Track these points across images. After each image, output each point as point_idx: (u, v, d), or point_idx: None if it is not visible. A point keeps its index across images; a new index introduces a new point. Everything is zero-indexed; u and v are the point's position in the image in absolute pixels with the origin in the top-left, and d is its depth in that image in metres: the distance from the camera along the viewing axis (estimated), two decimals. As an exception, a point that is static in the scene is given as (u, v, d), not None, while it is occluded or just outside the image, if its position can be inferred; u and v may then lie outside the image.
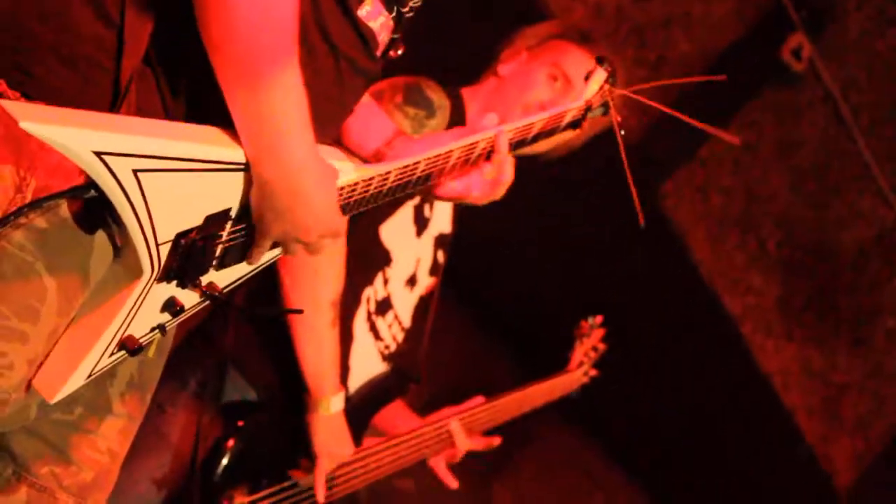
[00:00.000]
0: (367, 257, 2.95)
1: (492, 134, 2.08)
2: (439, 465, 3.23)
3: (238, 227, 1.77)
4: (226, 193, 1.72)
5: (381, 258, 2.99)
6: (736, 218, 4.88)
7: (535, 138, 2.22)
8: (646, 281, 4.81)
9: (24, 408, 1.78)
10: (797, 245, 5.12)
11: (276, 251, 1.88)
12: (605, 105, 2.30)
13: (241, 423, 2.84)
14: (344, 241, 2.72)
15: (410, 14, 1.94)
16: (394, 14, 1.88)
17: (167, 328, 1.80)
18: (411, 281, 3.09)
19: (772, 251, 5.04)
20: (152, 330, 1.78)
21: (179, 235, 1.67)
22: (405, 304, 3.11)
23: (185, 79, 1.69)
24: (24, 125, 1.43)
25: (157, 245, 1.64)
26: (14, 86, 1.63)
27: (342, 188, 1.86)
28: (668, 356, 5.14)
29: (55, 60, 1.65)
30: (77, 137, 1.49)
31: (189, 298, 1.79)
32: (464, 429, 3.20)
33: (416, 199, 2.96)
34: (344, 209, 1.89)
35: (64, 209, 1.63)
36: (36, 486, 1.89)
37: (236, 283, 1.87)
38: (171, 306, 1.76)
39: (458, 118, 2.87)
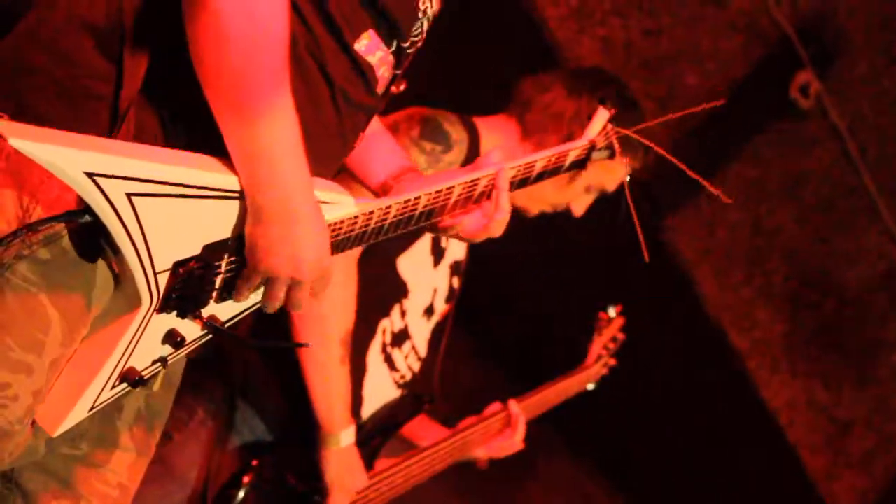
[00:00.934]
0: (383, 289, 2.94)
1: (493, 172, 2.07)
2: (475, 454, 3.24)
3: (236, 258, 1.76)
4: (223, 222, 1.70)
5: (398, 290, 2.98)
6: (742, 252, 4.88)
7: (539, 176, 2.21)
8: (651, 315, 4.80)
9: (33, 444, 1.77)
10: (803, 280, 5.12)
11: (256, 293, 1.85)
12: (611, 147, 2.30)
13: (254, 462, 2.83)
14: (355, 276, 2.72)
15: (412, 50, 1.93)
16: (393, 48, 1.87)
17: (169, 361, 1.79)
18: (429, 311, 3.09)
19: (778, 285, 5.04)
20: (154, 363, 1.77)
21: (177, 264, 1.66)
22: (422, 334, 3.10)
23: (183, 108, 1.69)
24: (14, 142, 1.43)
25: (156, 274, 1.63)
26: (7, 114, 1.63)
27: (341, 221, 1.85)
28: (672, 390, 5.13)
29: (53, 91, 1.67)
30: (68, 157, 1.48)
31: (190, 331, 1.77)
32: (488, 434, 3.19)
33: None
34: (343, 243, 1.88)
35: (66, 241, 1.63)
36: None
37: (239, 317, 1.86)
38: (173, 338, 1.74)
39: (475, 152, 2.85)
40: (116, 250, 1.61)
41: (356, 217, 1.86)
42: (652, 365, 4.85)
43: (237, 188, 1.69)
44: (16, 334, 1.61)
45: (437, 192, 1.99)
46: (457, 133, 2.79)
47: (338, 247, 1.87)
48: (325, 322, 2.71)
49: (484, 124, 2.92)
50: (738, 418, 5.21)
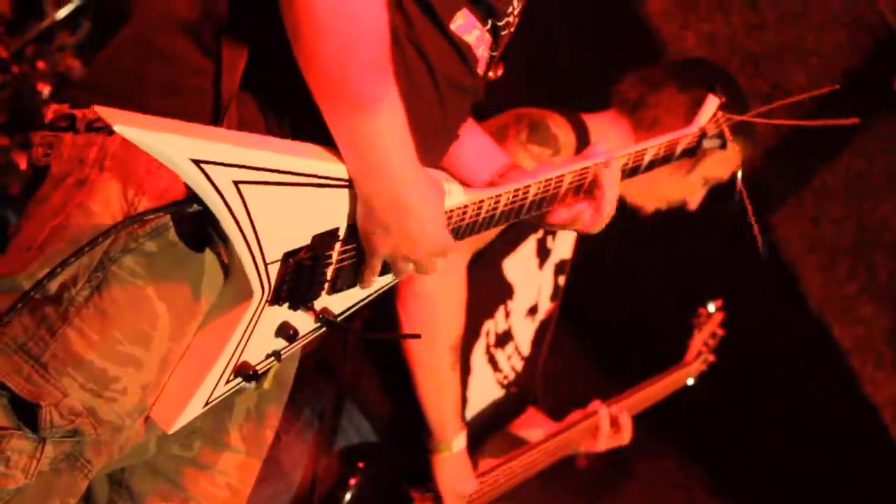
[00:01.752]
0: (488, 291, 2.94)
1: (603, 160, 2.06)
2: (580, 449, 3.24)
3: (347, 248, 1.74)
4: (333, 212, 1.68)
5: (503, 292, 2.98)
6: (847, 247, 4.83)
7: (650, 165, 2.20)
8: (754, 310, 4.78)
9: (144, 443, 1.78)
10: (909, 275, 5.05)
11: (389, 277, 1.84)
12: (721, 135, 2.28)
13: (361, 465, 2.85)
14: (465, 284, 2.71)
15: (507, 31, 1.91)
16: (489, 27, 1.85)
17: (282, 354, 1.77)
18: (533, 310, 3.08)
19: (883, 281, 4.98)
20: (267, 357, 1.75)
21: (288, 255, 1.64)
22: (525, 334, 3.10)
23: (284, 99, 1.69)
24: (119, 129, 1.41)
25: (266, 264, 1.61)
26: None
27: (451, 210, 1.84)
28: (774, 385, 5.10)
29: (156, 90, 1.67)
30: (174, 144, 1.46)
31: (303, 323, 1.75)
32: (596, 427, 3.19)
33: (540, 233, 2.95)
34: (454, 233, 1.86)
35: (173, 233, 1.63)
36: None
37: (351, 310, 1.84)
38: (285, 331, 1.72)
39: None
40: (225, 240, 1.60)
41: (466, 206, 1.86)
42: (754, 359, 4.83)
43: (345, 176, 1.67)
44: (123, 327, 1.61)
45: (546, 181, 1.98)
46: (564, 135, 2.78)
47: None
48: (435, 329, 2.71)
49: (593, 122, 2.91)
50: (840, 414, 5.16)
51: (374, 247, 1.74)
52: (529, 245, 2.97)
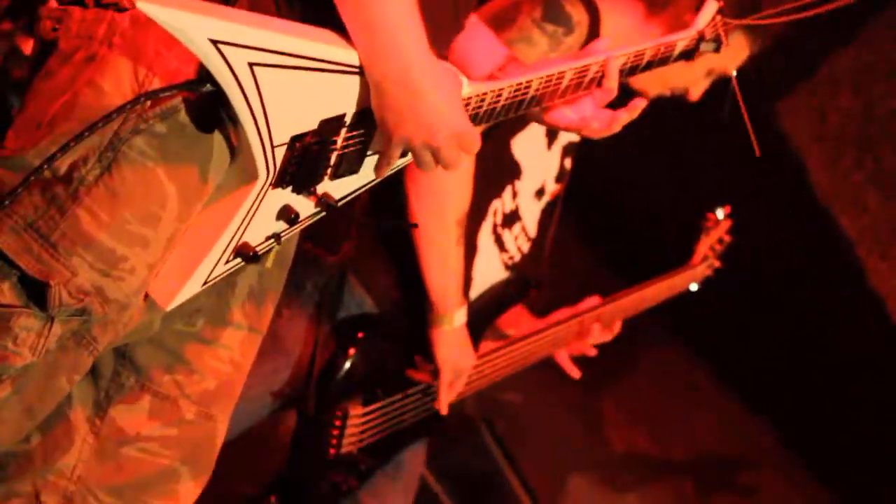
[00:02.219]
0: (497, 170, 2.95)
1: (603, 59, 2.07)
2: (563, 357, 3.25)
3: (353, 134, 1.77)
4: (341, 98, 1.71)
5: (511, 171, 2.99)
6: (854, 137, 4.81)
7: (648, 65, 2.21)
8: (759, 201, 4.78)
9: (148, 319, 1.82)
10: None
11: (401, 160, 1.86)
12: (718, 40, 2.28)
13: (360, 335, 2.89)
14: (473, 158, 2.71)
15: None
16: None
17: (282, 237, 1.80)
18: (540, 192, 3.09)
19: (889, 171, 4.96)
20: (267, 238, 1.79)
21: (294, 138, 1.66)
22: (532, 215, 3.11)
23: None
24: (141, 5, 1.43)
25: (273, 147, 1.64)
26: None
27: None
28: (780, 278, 5.11)
29: None
30: (194, 23, 1.48)
31: (304, 207, 1.79)
32: (591, 323, 3.21)
33: None
34: None
35: (183, 114, 1.64)
36: (159, 394, 1.93)
37: (352, 195, 1.88)
38: (287, 214, 1.75)
39: (595, 33, 2.82)
40: (235, 121, 1.63)
41: (468, 99, 1.87)
42: (761, 253, 4.83)
43: (356, 63, 1.69)
44: (133, 207, 1.63)
45: (548, 76, 1.99)
46: (578, 14, 2.76)
47: None
48: (443, 202, 2.72)
49: (605, 4, 2.87)
50: (846, 305, 5.18)
51: (390, 133, 1.74)
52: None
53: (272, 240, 1.80)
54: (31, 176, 1.58)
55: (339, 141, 1.75)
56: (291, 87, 1.62)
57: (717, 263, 3.62)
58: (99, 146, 1.61)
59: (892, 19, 4.66)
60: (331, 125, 1.71)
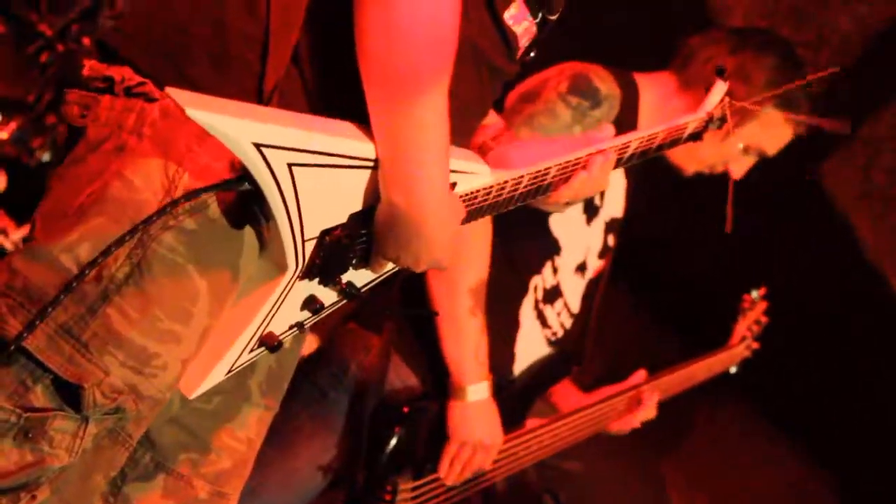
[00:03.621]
0: (535, 247, 2.94)
1: (605, 147, 2.05)
2: (613, 427, 3.23)
3: None
4: (370, 191, 1.71)
5: (550, 247, 2.98)
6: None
7: (660, 148, 2.21)
8: (808, 262, 4.74)
9: (168, 400, 1.79)
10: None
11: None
12: (724, 119, 2.27)
13: (406, 410, 2.87)
14: (490, 227, 2.71)
15: (554, 19, 1.91)
16: (538, 20, 1.86)
17: (306, 326, 1.80)
18: (581, 268, 3.08)
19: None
20: (291, 327, 1.79)
21: (324, 232, 1.67)
22: (575, 291, 3.10)
23: (330, 80, 1.68)
24: (191, 113, 1.44)
25: (304, 241, 1.64)
26: (161, 86, 1.62)
27: (477, 191, 1.85)
28: (833, 337, 5.05)
29: (208, 61, 1.66)
30: (239, 128, 1.49)
31: (328, 296, 1.79)
32: (634, 401, 3.20)
33: None
34: (477, 213, 1.89)
35: (213, 210, 1.63)
36: (174, 473, 1.91)
37: (374, 282, 1.88)
38: (312, 304, 1.76)
39: (630, 108, 2.82)
40: (268, 217, 1.63)
41: (491, 186, 1.88)
42: (809, 314, 4.78)
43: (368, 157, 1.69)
44: (164, 305, 1.62)
45: (566, 162, 1.99)
46: (607, 89, 2.76)
47: (471, 216, 1.88)
48: (456, 271, 2.70)
49: (643, 80, 2.88)
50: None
51: (383, 248, 1.76)
52: None
53: (295, 328, 1.81)
54: (74, 282, 1.57)
55: (367, 232, 1.75)
56: (326, 185, 1.63)
57: (755, 345, 3.61)
58: (129, 243, 1.59)
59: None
60: (359, 218, 1.72)
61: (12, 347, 1.57)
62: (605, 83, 2.78)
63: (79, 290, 1.59)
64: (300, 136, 1.56)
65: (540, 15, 1.86)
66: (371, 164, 1.68)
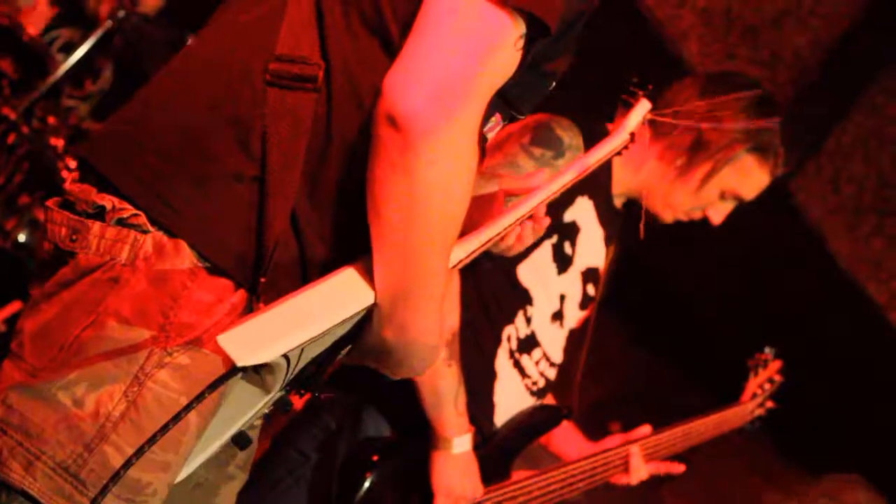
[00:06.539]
0: (506, 297, 2.93)
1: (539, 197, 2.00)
2: (612, 480, 3.20)
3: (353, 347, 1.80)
4: (356, 325, 1.73)
5: (520, 297, 2.95)
6: (870, 204, 4.82)
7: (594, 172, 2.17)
8: (785, 272, 4.78)
9: None
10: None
11: None
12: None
13: (375, 458, 2.86)
14: (458, 280, 2.71)
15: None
16: (507, 120, 1.86)
17: (272, 417, 1.86)
18: (557, 316, 3.07)
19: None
20: (261, 419, 1.85)
21: (314, 360, 1.70)
22: (554, 341, 3.07)
23: (328, 244, 1.69)
24: (243, 364, 1.51)
25: (295, 369, 1.67)
26: (155, 219, 1.63)
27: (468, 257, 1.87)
28: (818, 349, 5.09)
29: (197, 195, 1.65)
30: (276, 351, 1.54)
31: (300, 399, 1.83)
32: (639, 455, 3.17)
33: (554, 238, 2.92)
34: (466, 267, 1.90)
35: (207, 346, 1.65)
36: None
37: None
38: (283, 405, 1.79)
39: None
40: (271, 371, 1.65)
41: (474, 251, 1.87)
42: (792, 322, 4.82)
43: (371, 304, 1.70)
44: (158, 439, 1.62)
45: (521, 216, 1.97)
46: (570, 138, 2.75)
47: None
48: None
49: (613, 128, 2.87)
50: (882, 371, 5.15)
51: (364, 360, 1.79)
52: (544, 251, 2.95)
53: (262, 419, 1.85)
54: (110, 484, 1.57)
55: (343, 353, 1.77)
56: (324, 342, 1.66)
57: (769, 404, 3.57)
58: (124, 381, 1.61)
59: (889, 86, 4.70)
60: (340, 345, 1.73)
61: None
62: (568, 132, 2.75)
63: (76, 427, 1.60)
64: (317, 328, 1.59)
65: (511, 116, 1.86)
66: (364, 313, 1.70)
